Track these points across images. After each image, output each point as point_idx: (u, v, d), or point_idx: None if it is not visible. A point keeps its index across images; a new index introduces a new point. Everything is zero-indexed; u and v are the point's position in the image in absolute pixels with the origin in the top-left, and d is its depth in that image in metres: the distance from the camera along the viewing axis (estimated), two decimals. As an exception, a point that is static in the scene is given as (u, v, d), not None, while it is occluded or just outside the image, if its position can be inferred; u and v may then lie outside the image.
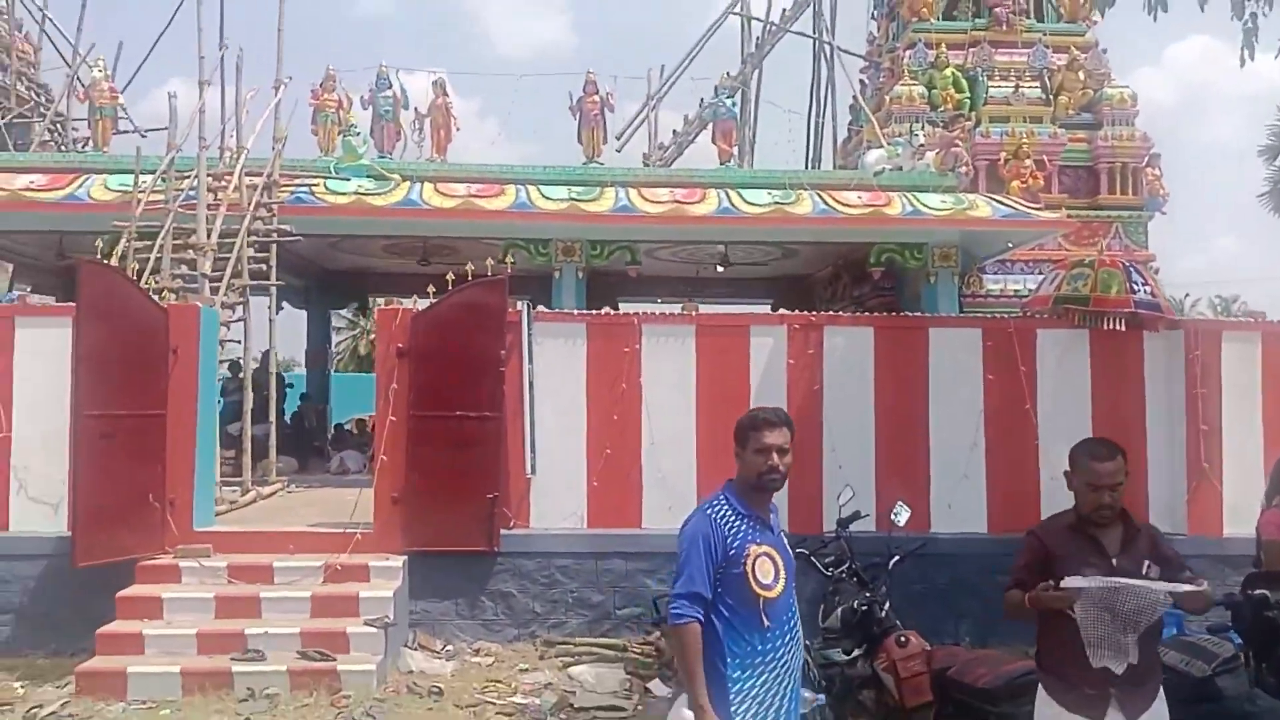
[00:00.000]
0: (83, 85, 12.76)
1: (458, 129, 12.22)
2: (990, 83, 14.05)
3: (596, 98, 12.18)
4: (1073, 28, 14.70)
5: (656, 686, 6.84)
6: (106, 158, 11.40)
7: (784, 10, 16.48)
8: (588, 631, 7.82)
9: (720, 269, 13.41)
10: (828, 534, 6.40)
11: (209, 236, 9.38)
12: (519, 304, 8.27)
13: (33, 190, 10.44)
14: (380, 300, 14.29)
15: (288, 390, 13.29)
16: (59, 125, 13.72)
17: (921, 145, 12.07)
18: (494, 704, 6.57)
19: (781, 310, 12.86)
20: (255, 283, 9.77)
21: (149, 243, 9.25)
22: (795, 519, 6.92)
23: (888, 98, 14.27)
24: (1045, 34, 14.46)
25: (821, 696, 4.72)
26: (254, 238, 9.89)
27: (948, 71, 14.09)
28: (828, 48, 16.97)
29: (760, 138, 17.14)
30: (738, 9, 16.68)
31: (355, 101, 12.24)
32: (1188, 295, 34.87)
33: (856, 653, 5.41)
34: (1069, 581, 3.39)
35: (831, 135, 17.11)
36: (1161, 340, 8.18)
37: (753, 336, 8.19)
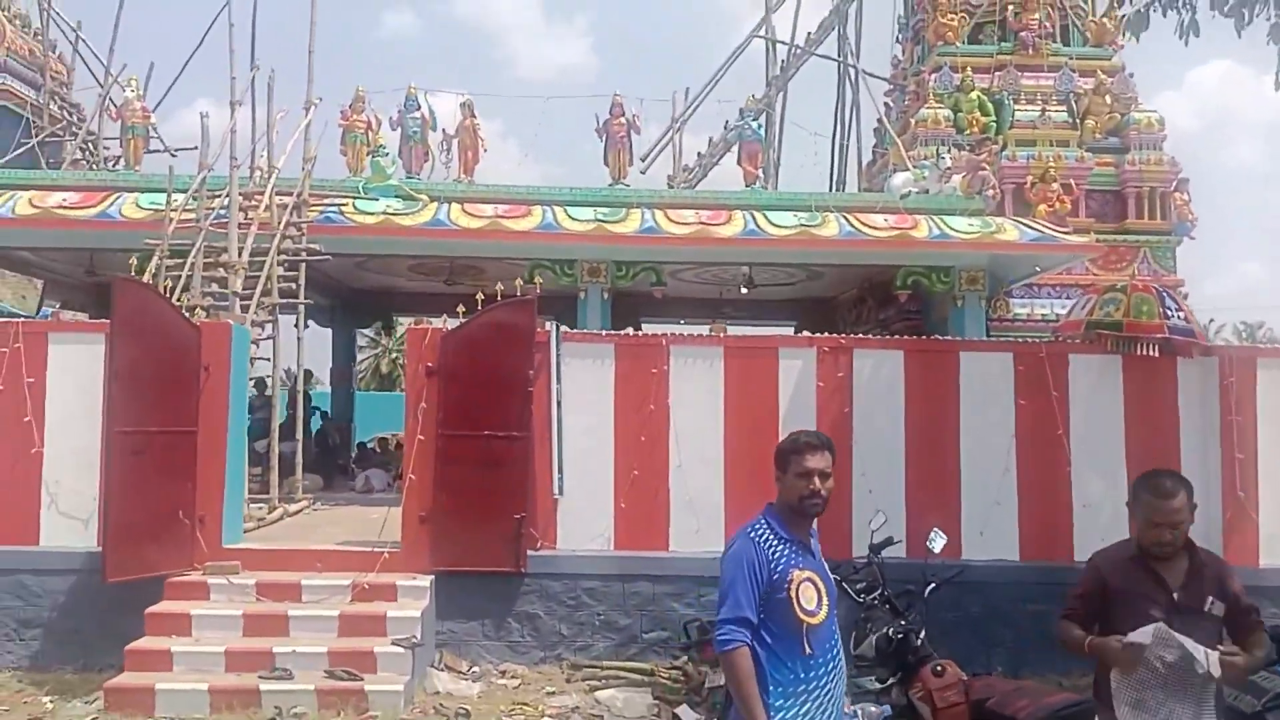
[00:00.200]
0: (115, 105, 12.91)
1: (485, 150, 12.28)
2: (1016, 106, 14.03)
3: (623, 120, 12.25)
4: (1099, 51, 14.67)
5: (685, 712, 6.78)
6: (138, 176, 11.51)
7: (809, 34, 16.54)
8: (614, 655, 7.76)
9: (744, 291, 13.39)
10: (858, 559, 6.35)
11: (240, 255, 9.44)
12: (547, 324, 8.27)
13: (65, 208, 10.54)
14: (406, 320, 14.36)
15: (314, 410, 13.35)
16: (90, 144, 13.88)
17: (948, 168, 12.04)
18: (521, 727, 6.53)
19: (805, 333, 12.83)
20: (285, 301, 9.83)
21: (180, 260, 9.33)
22: (825, 544, 6.72)
23: (913, 121, 14.27)
24: (1071, 58, 14.44)
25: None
26: (283, 256, 9.95)
27: (973, 95, 14.08)
28: (852, 71, 17.01)
29: (784, 160, 17.18)
30: (763, 33, 16.74)
31: (384, 122, 12.33)
32: (1212, 320, 34.64)
33: (890, 681, 5.35)
34: (1134, 636, 3.31)
35: (856, 158, 17.14)
36: (1195, 367, 8.10)
37: (781, 359, 8.16)
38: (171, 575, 7.39)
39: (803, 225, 10.91)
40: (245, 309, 9.17)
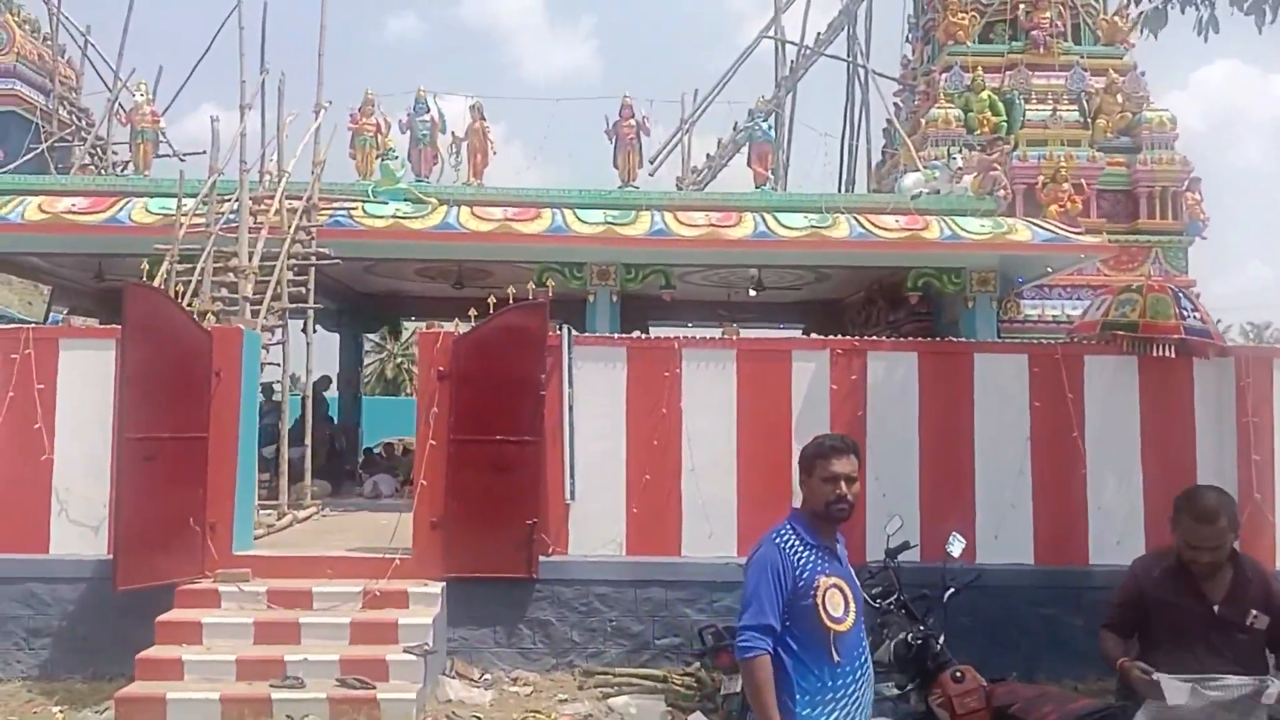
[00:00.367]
0: (124, 110, 12.90)
1: (494, 153, 12.24)
2: (1027, 106, 13.94)
3: (632, 121, 12.20)
4: (1110, 50, 14.58)
5: (698, 719, 6.73)
6: (147, 181, 11.50)
7: (818, 34, 16.49)
8: (626, 661, 7.72)
9: (752, 293, 13.33)
10: (872, 564, 6.27)
11: (250, 260, 9.41)
12: (559, 328, 8.23)
13: (74, 213, 10.52)
14: (418, 324, 14.30)
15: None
16: (99, 149, 13.87)
17: (959, 169, 11.97)
18: (535, 734, 6.49)
19: (814, 335, 12.77)
20: (294, 305, 9.79)
21: (189, 265, 9.30)
22: (839, 548, 6.78)
23: (923, 121, 14.20)
24: (1083, 57, 14.34)
25: None
26: (293, 261, 9.91)
27: (984, 94, 14.00)
28: (862, 71, 16.93)
29: (793, 161, 17.11)
30: (772, 33, 16.68)
31: (393, 126, 12.29)
32: (1219, 321, 34.40)
33: (909, 687, 5.28)
34: (1167, 688, 3.21)
35: (865, 158, 17.06)
36: (1212, 368, 8.03)
37: (795, 361, 8.11)
38: (182, 583, 7.36)
39: (813, 227, 10.85)
40: (255, 314, 9.14)
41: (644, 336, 9.06)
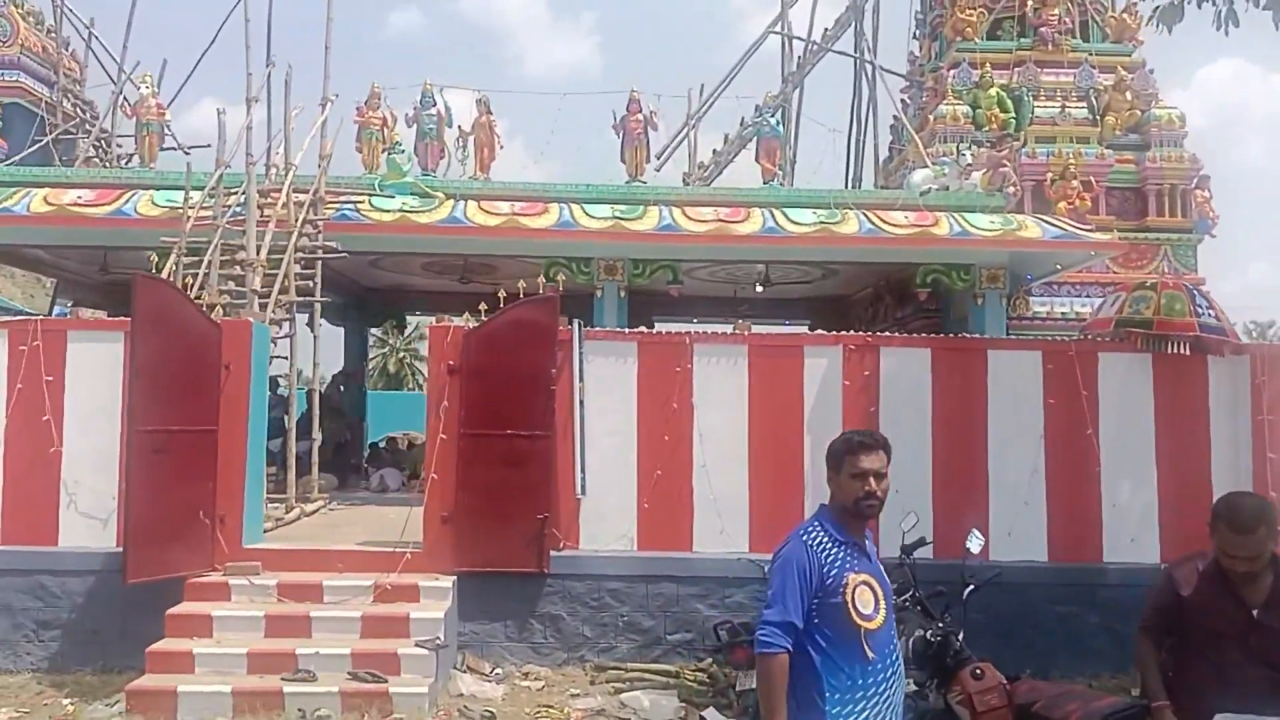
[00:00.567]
0: (129, 102, 12.83)
1: (501, 147, 12.18)
2: (1036, 103, 13.90)
3: (640, 116, 12.13)
4: (1119, 48, 14.53)
5: (712, 715, 6.69)
6: (153, 173, 11.44)
7: (825, 30, 16.42)
8: (638, 656, 7.69)
9: (759, 289, 13.28)
10: (887, 560, 6.23)
11: (259, 253, 9.36)
12: (569, 322, 8.18)
13: (80, 205, 10.47)
14: (428, 319, 14.25)
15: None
16: (103, 142, 13.81)
17: (969, 165, 11.91)
18: (547, 730, 6.45)
19: (820, 331, 12.72)
20: (302, 299, 9.75)
21: (196, 259, 9.25)
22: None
23: (931, 117, 14.15)
24: (1091, 54, 14.30)
25: None
26: (300, 254, 9.87)
27: (992, 91, 13.94)
28: (869, 67, 16.86)
29: (800, 157, 17.04)
30: (779, 29, 16.63)
31: (399, 119, 12.24)
32: (1226, 319, 34.40)
33: (927, 685, 5.25)
34: None
35: (873, 154, 16.98)
36: (1226, 365, 7.99)
37: (807, 357, 8.07)
38: (192, 576, 7.32)
39: (822, 223, 10.80)
40: (263, 307, 9.10)
41: (655, 331, 9.00)
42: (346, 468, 13.53)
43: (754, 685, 5.37)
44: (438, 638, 6.94)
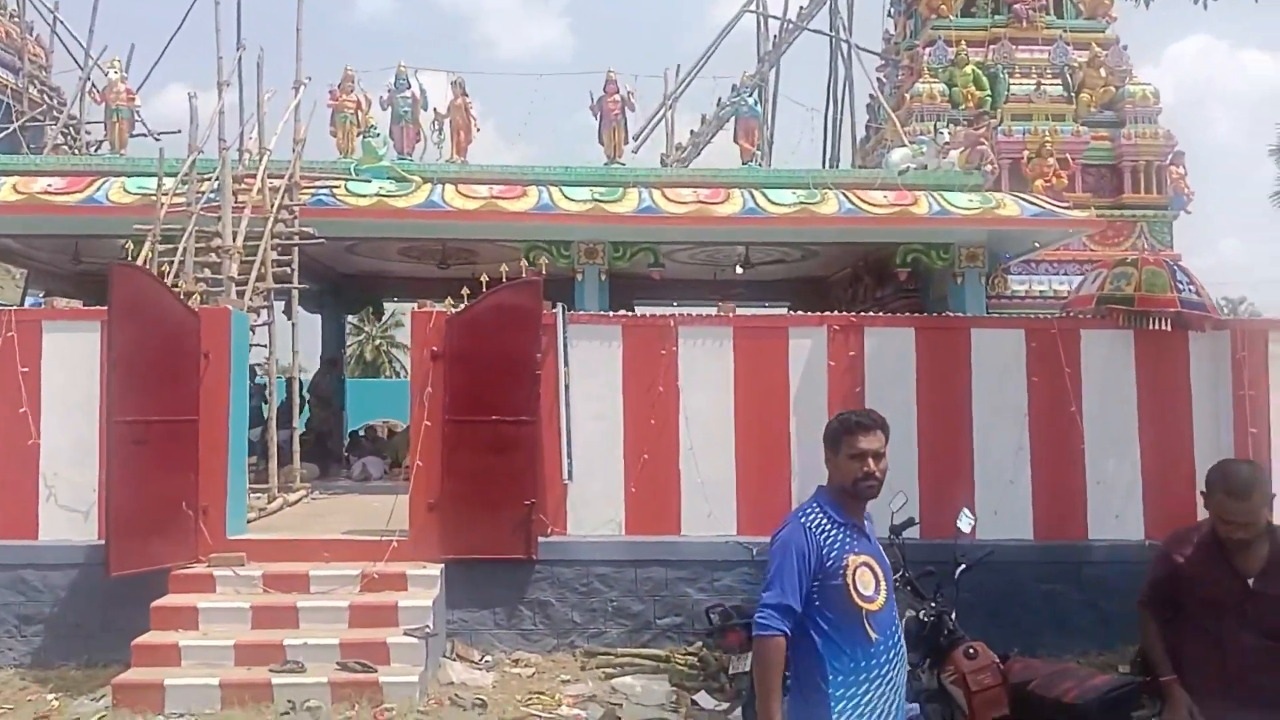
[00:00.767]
0: (97, 88, 12.60)
1: (478, 130, 12.05)
2: (1011, 80, 13.90)
3: (617, 97, 12.04)
4: (1093, 24, 14.55)
5: (703, 698, 6.72)
6: (124, 160, 11.23)
7: (800, 8, 16.32)
8: (628, 641, 7.69)
9: (739, 271, 13.24)
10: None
11: (235, 239, 9.23)
12: (553, 306, 8.13)
13: (50, 193, 10.25)
14: (406, 305, 14.11)
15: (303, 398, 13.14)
16: (72, 128, 13.55)
17: (946, 144, 11.93)
18: (539, 716, 6.44)
19: (800, 313, 12.71)
20: (279, 286, 9.63)
21: (171, 246, 9.11)
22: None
23: (908, 96, 14.14)
24: (1066, 30, 14.31)
25: (915, 707, 4.56)
26: (277, 240, 9.74)
27: (968, 69, 13.95)
28: (845, 45, 16.82)
29: (778, 137, 16.97)
30: (754, 7, 16.53)
31: (373, 103, 12.08)
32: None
33: (920, 665, 5.26)
34: None
35: (850, 134, 16.97)
36: (1208, 341, 8.05)
37: (792, 338, 8.06)
38: (176, 568, 7.24)
39: (802, 203, 10.78)
40: (240, 294, 8.97)
41: (639, 315, 8.96)
42: (328, 457, 13.42)
43: (747, 669, 5.38)
44: (427, 626, 6.90)
